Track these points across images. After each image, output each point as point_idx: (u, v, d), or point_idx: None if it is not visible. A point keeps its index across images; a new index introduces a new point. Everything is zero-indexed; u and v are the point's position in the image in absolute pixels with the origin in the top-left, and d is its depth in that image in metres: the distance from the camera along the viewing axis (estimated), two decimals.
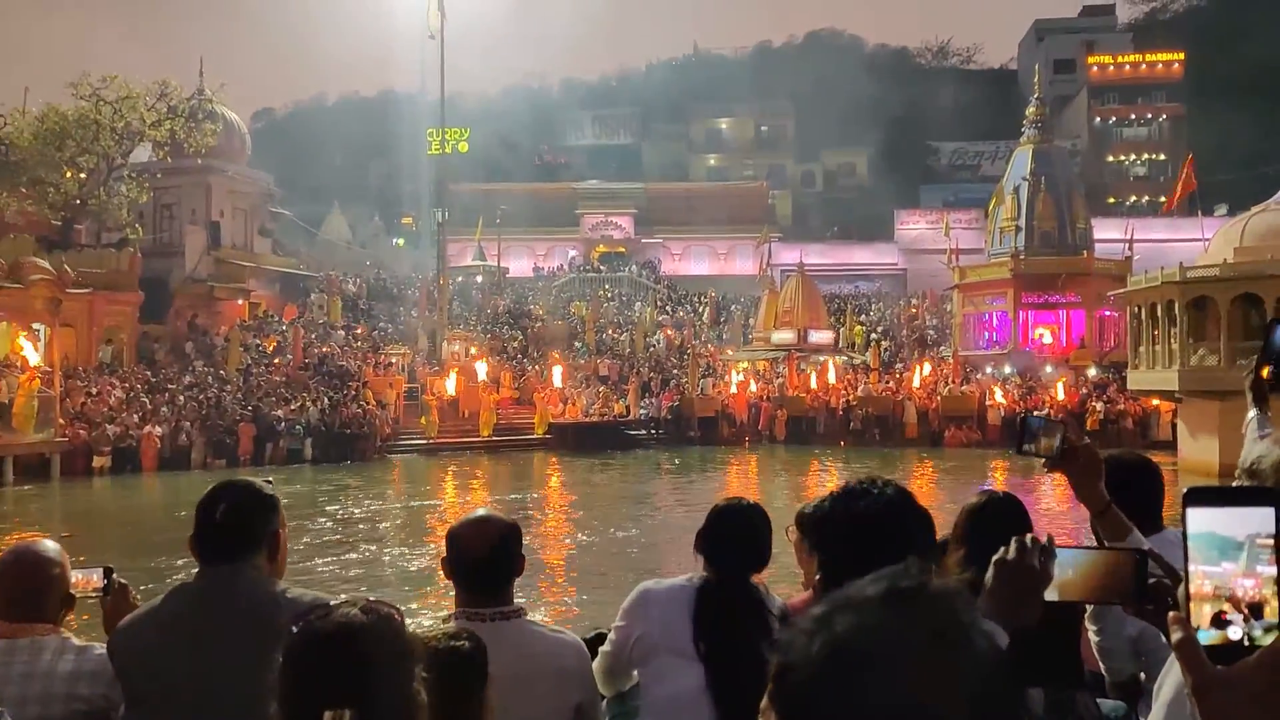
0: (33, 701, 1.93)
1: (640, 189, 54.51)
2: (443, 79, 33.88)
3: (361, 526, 14.68)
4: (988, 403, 27.32)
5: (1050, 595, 1.29)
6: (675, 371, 32.08)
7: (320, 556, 11.97)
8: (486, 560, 2.07)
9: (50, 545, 2.16)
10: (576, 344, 35.11)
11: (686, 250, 52.05)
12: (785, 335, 32.58)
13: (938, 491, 19.08)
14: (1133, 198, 54.32)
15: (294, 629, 1.17)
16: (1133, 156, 57.01)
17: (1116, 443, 23.52)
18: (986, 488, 2.72)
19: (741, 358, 33.18)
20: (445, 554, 2.13)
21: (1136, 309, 22.77)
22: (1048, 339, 33.21)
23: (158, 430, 22.50)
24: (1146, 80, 56.08)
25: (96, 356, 26.32)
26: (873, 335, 36.37)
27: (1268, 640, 0.71)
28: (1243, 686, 0.71)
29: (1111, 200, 52.69)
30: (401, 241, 54.24)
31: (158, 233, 32.66)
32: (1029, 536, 1.31)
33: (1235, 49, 49.78)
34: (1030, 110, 35.17)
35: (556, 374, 29.12)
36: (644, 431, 28.48)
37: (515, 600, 2.13)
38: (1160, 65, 56.11)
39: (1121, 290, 24.33)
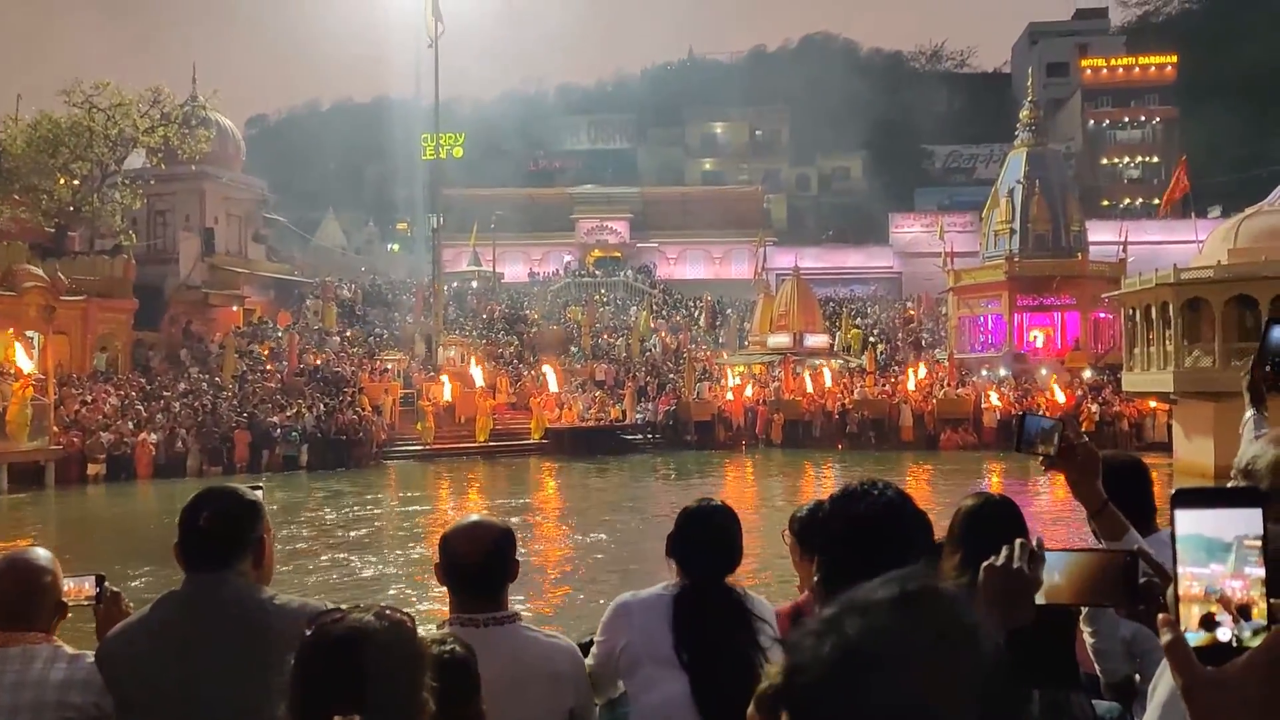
0: (24, 710, 1.92)
1: (636, 193, 54.60)
2: (437, 84, 33.96)
3: (351, 533, 14.64)
4: (983, 405, 27.37)
5: (1041, 599, 1.29)
6: (671, 376, 32.09)
7: (310, 562, 11.94)
8: (480, 566, 2.06)
9: (42, 553, 2.15)
10: (572, 349, 35.12)
11: (682, 254, 52.12)
12: (781, 339, 32.62)
13: (934, 494, 19.09)
14: (1126, 200, 54.54)
15: (307, 632, 1.18)
16: (1126, 159, 57.24)
17: (1112, 444, 23.58)
18: (980, 489, 2.72)
19: (737, 361, 33.21)
20: (438, 559, 2.12)
21: (1131, 311, 22.82)
22: (1042, 341, 33.29)
23: (152, 438, 22.44)
24: (1140, 83, 56.35)
25: (91, 364, 26.26)
26: (869, 339, 36.44)
27: (1256, 642, 0.71)
28: (1232, 688, 0.71)
29: (1106, 203, 52.90)
30: (396, 247, 54.28)
31: (152, 239, 32.62)
32: (1019, 542, 1.31)
33: (1228, 51, 50.06)
34: (1024, 113, 35.30)
35: (552, 379, 29.11)
36: (640, 436, 28.48)
37: (509, 605, 2.13)
38: (1153, 68, 56.38)
39: (1116, 292, 24.39)
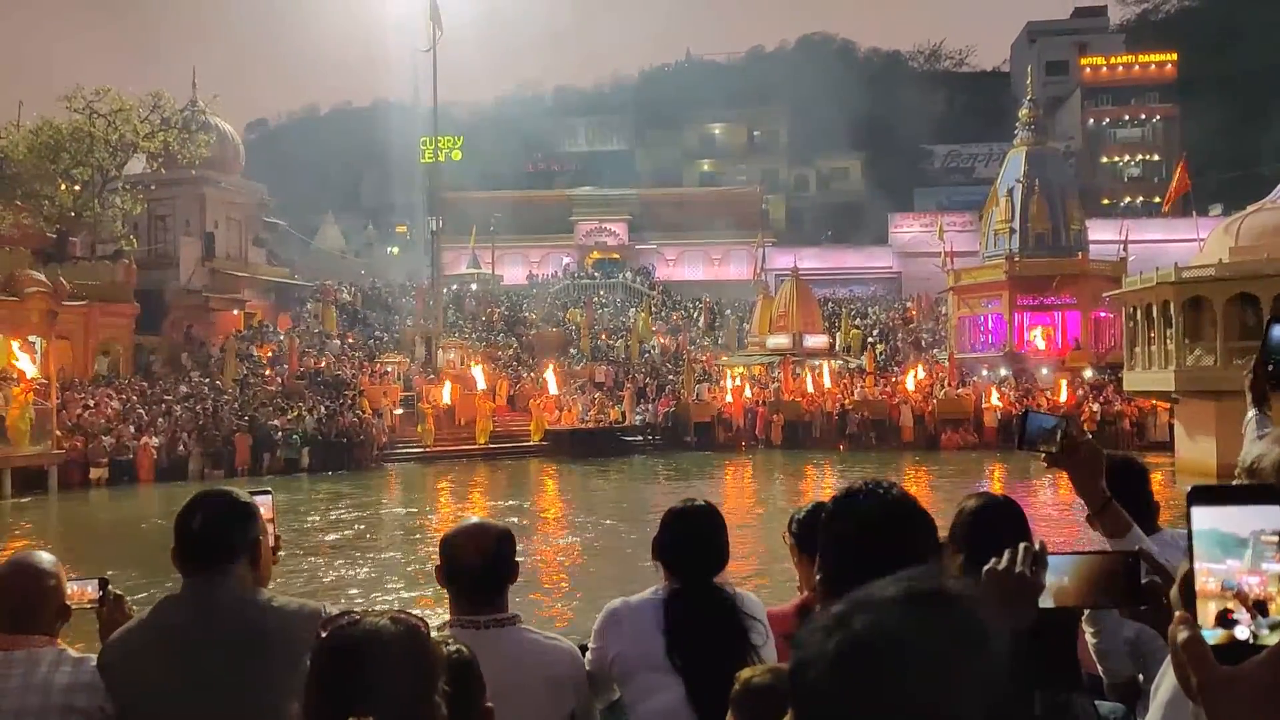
0: (30, 714, 1.92)
1: (634, 195, 54.60)
2: (435, 88, 33.99)
3: (349, 534, 14.64)
4: (984, 405, 27.35)
5: (1045, 602, 1.29)
6: (671, 377, 32.09)
7: (310, 563, 11.94)
8: (480, 568, 2.07)
9: (46, 557, 2.15)
10: (572, 350, 35.12)
11: (681, 256, 52.12)
12: (780, 340, 32.61)
13: (935, 495, 19.09)
14: (1127, 198, 54.52)
15: (322, 634, 1.19)
16: (1126, 157, 57.22)
17: (1113, 444, 23.59)
18: (982, 489, 2.72)
19: (737, 362, 33.20)
20: (439, 562, 2.12)
21: (1132, 310, 22.80)
22: (1043, 341, 33.28)
23: (154, 441, 22.46)
24: (1139, 81, 56.33)
25: (93, 368, 26.29)
26: (868, 339, 36.43)
27: (1274, 639, 0.71)
28: (1250, 685, 0.70)
29: (1106, 201, 52.88)
30: (396, 250, 54.31)
31: (152, 244, 32.66)
32: (1023, 545, 1.32)
33: (1228, 49, 50.09)
34: (1023, 112, 35.29)
35: (552, 381, 29.11)
36: (640, 437, 28.47)
37: (510, 607, 2.13)
38: (1153, 66, 56.36)
39: (1117, 291, 24.37)
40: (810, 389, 29.44)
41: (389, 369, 29.83)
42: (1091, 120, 56.89)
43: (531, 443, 26.98)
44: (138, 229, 31.40)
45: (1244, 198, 26.26)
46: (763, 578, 9.15)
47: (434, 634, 1.57)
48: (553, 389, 28.86)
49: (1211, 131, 46.69)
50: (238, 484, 18.76)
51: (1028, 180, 33.58)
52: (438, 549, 2.17)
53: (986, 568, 1.33)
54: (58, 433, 21.02)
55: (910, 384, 28.95)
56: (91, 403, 23.49)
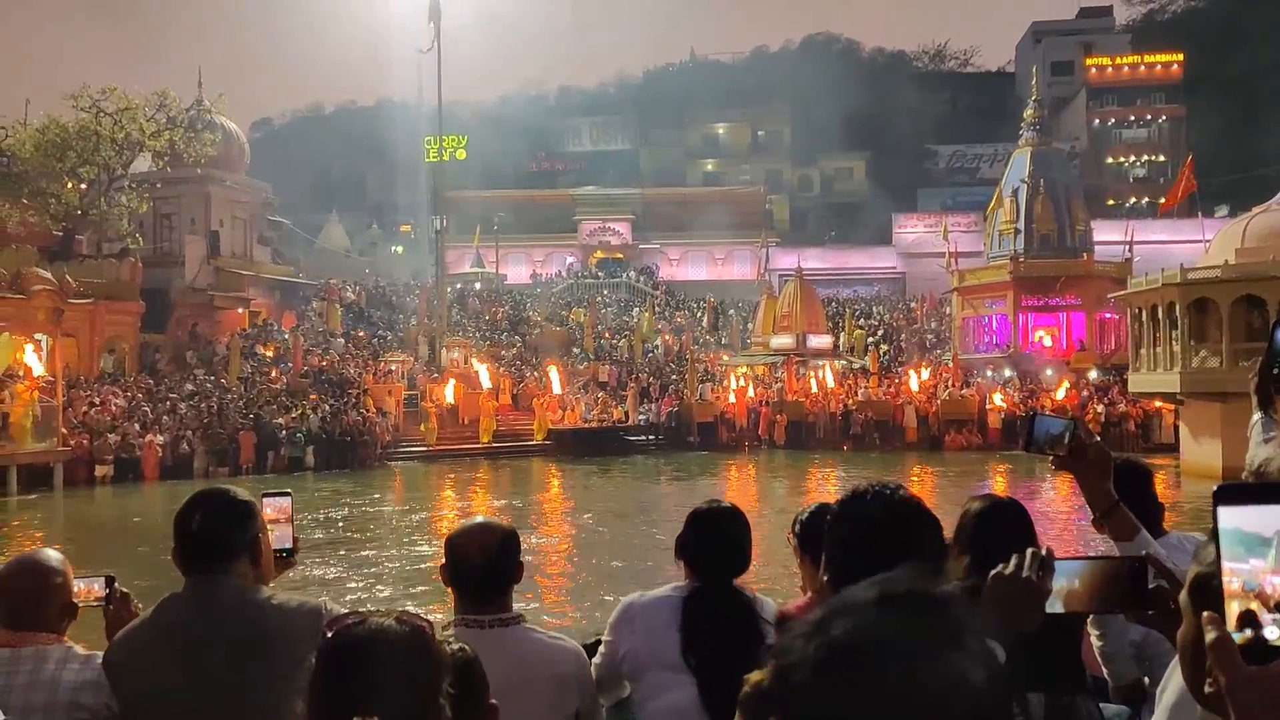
0: (37, 711, 1.93)
1: (637, 195, 54.61)
2: (440, 87, 34.04)
3: (352, 533, 14.66)
4: (988, 406, 27.30)
5: (1052, 607, 1.29)
6: (674, 377, 32.09)
7: (309, 560, 11.95)
8: (485, 567, 2.07)
9: (53, 555, 2.16)
10: (575, 350, 35.13)
11: (684, 255, 52.12)
12: (784, 340, 32.59)
13: (939, 496, 19.06)
14: (1132, 199, 54.37)
15: (327, 634, 1.20)
16: (1132, 158, 57.06)
17: (1118, 446, 23.52)
18: (986, 491, 2.72)
19: (740, 362, 33.18)
20: (444, 561, 2.12)
21: (1137, 311, 22.75)
22: (1048, 341, 33.21)
23: (159, 439, 22.53)
24: (1145, 81, 56.17)
25: (98, 366, 26.36)
26: (870, 339, 36.38)
27: None
28: (1277, 687, 0.70)
29: (1111, 202, 52.75)
30: (400, 249, 54.38)
31: (158, 242, 32.73)
32: (1030, 551, 1.32)
33: (1234, 49, 49.91)
34: (1028, 112, 35.22)
35: (555, 380, 29.13)
36: (643, 437, 28.48)
37: (514, 607, 2.13)
38: (1159, 66, 56.19)
39: (1122, 292, 24.32)
40: (814, 389, 29.42)
41: (393, 368, 29.88)
42: (1097, 121, 56.74)
43: (534, 442, 27.00)
44: (143, 227, 31.48)
45: (1250, 199, 26.19)
46: (764, 580, 9.14)
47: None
48: (556, 388, 28.88)
49: (1217, 132, 46.55)
50: (242, 483, 18.75)
51: (1032, 181, 33.51)
52: (442, 548, 2.17)
53: (993, 573, 1.33)
54: (63, 430, 21.09)
55: (914, 384, 28.90)
56: (97, 400, 23.56)
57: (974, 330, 34.63)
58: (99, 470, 21.40)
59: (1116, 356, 29.55)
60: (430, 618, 1.26)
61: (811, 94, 55.98)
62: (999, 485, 19.39)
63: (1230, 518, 0.75)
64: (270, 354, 29.81)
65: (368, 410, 26.06)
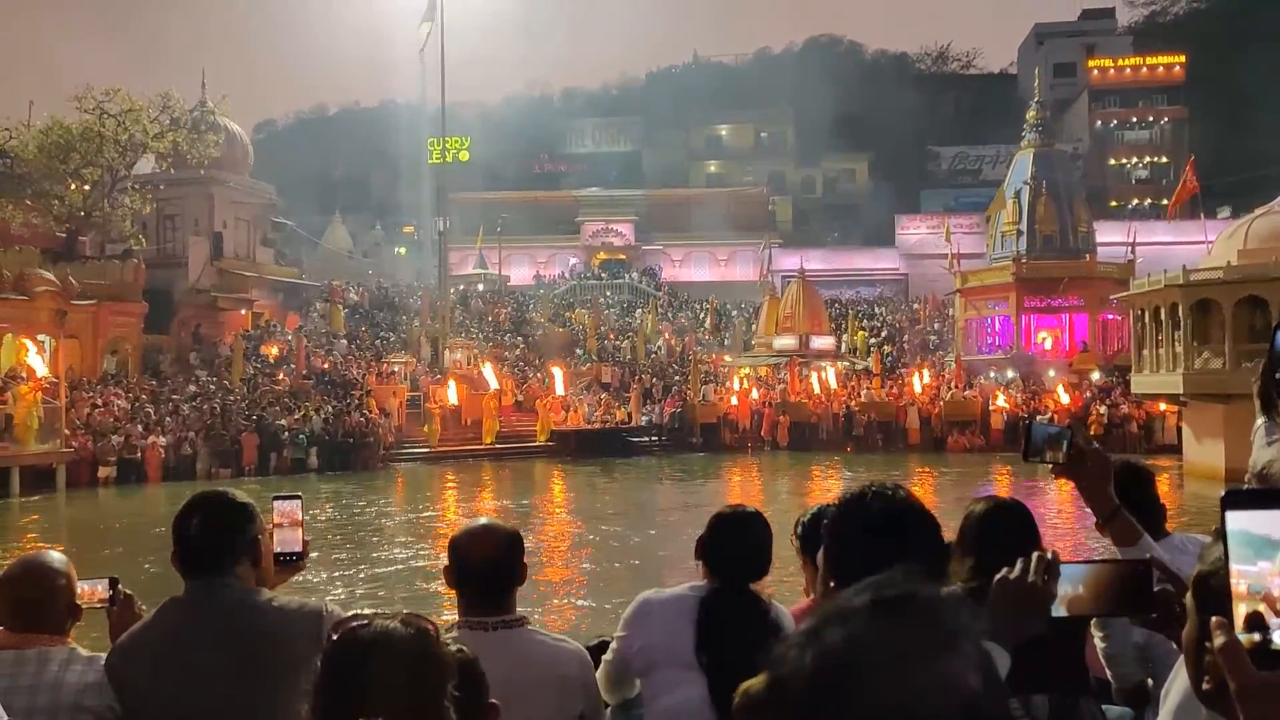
0: (40, 713, 1.94)
1: (640, 196, 54.62)
2: (443, 89, 34.06)
3: (353, 534, 14.67)
4: (991, 407, 27.27)
5: (1057, 611, 1.29)
6: (677, 378, 32.08)
7: (310, 562, 11.96)
8: (488, 569, 2.07)
9: (57, 556, 2.17)
10: (578, 351, 35.14)
11: (687, 256, 52.11)
12: (787, 341, 32.58)
13: (942, 497, 19.04)
14: (1135, 200, 54.32)
15: (333, 636, 1.20)
16: (1134, 159, 57.00)
17: (1121, 447, 23.49)
18: (990, 493, 2.71)
19: (743, 363, 33.17)
20: (447, 563, 2.13)
21: (1140, 312, 22.72)
22: (1050, 343, 33.17)
23: (162, 440, 22.55)
24: (1147, 83, 56.11)
25: (101, 367, 26.39)
26: (872, 340, 36.36)
27: None
28: None
29: (1114, 203, 52.69)
30: (404, 250, 54.43)
31: (161, 243, 32.78)
32: (1036, 555, 1.32)
33: (1237, 51, 49.83)
34: (1030, 114, 35.20)
35: (558, 381, 29.14)
36: (646, 438, 28.47)
37: (517, 609, 2.13)
38: (1161, 68, 56.14)
39: (1124, 293, 24.29)
40: (816, 390, 29.41)
41: (396, 369, 29.90)
42: (1099, 122, 56.68)
43: (537, 443, 27.01)
44: (146, 228, 31.53)
45: (1253, 200, 26.14)
46: (764, 583, 9.13)
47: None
48: (559, 389, 28.90)
49: (1220, 134, 46.48)
50: (244, 485, 18.79)
51: (1035, 182, 33.47)
52: (445, 550, 2.18)
53: (999, 577, 1.33)
54: (66, 431, 21.12)
55: (917, 386, 28.88)
56: (100, 402, 23.59)
57: (977, 331, 34.59)
58: (102, 472, 21.43)
59: (1119, 357, 29.51)
60: (434, 620, 1.27)
61: (814, 95, 55.97)
62: (1002, 487, 19.37)
63: (1238, 521, 0.75)
64: (273, 355, 29.84)
65: (371, 412, 26.09)
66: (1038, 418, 21.91)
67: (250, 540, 1.99)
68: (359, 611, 1.34)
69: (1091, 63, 57.40)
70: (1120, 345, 30.59)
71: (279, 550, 2.15)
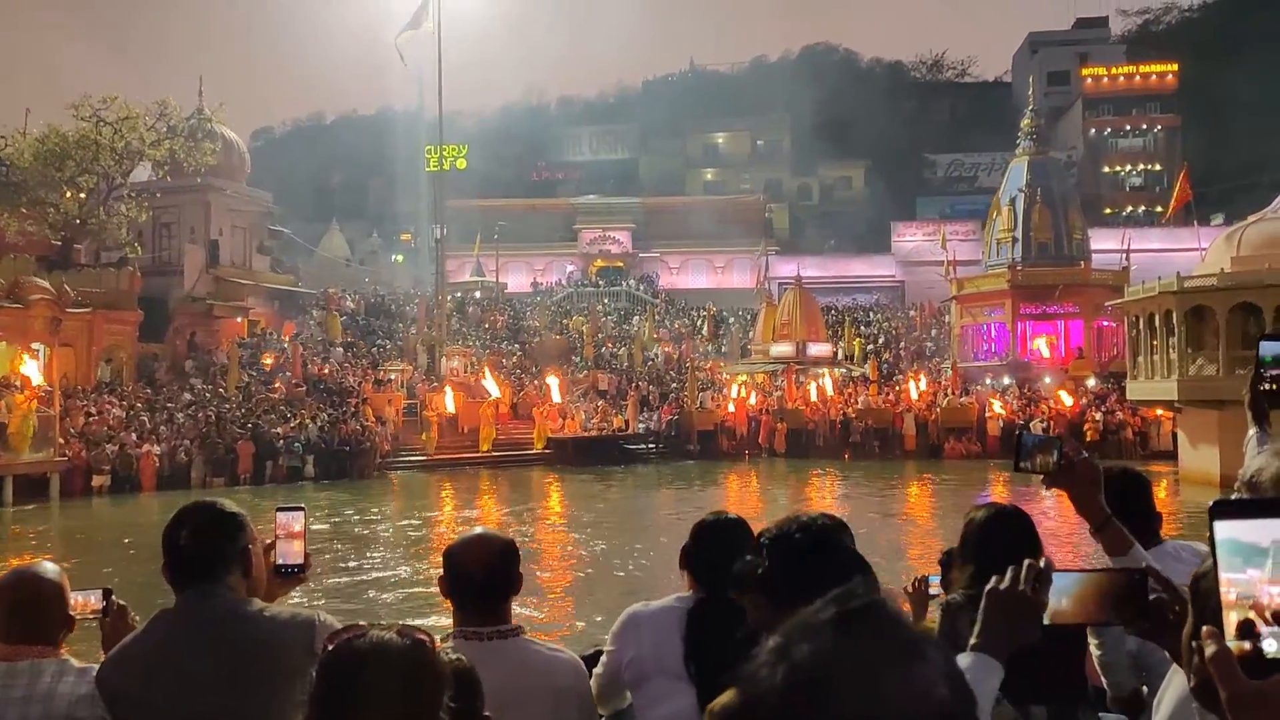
0: None
1: (638, 203, 54.75)
2: (440, 96, 34.14)
3: (348, 543, 14.63)
4: (987, 414, 27.29)
5: (1049, 619, 1.28)
6: (674, 385, 32.07)
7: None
8: (483, 579, 2.07)
9: (50, 567, 2.16)
10: (575, 358, 35.13)
11: (684, 264, 52.19)
12: (784, 348, 32.61)
13: (940, 504, 19.04)
14: (1129, 208, 54.54)
15: (329, 647, 1.20)
16: (1128, 167, 57.28)
17: (1116, 453, 23.53)
18: (989, 500, 2.71)
19: (740, 370, 33.19)
20: (442, 573, 2.12)
21: (1134, 319, 22.78)
22: (1046, 350, 33.23)
23: (156, 449, 22.47)
24: (1140, 91, 56.43)
25: (96, 375, 26.32)
26: (869, 347, 36.40)
27: None
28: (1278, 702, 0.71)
29: (1108, 210, 52.91)
30: (401, 258, 54.45)
31: (157, 251, 32.74)
32: (1026, 563, 1.31)
33: (1229, 59, 50.12)
34: (1025, 122, 35.35)
35: (555, 389, 29.11)
36: (643, 446, 28.44)
37: (513, 618, 2.13)
38: (1154, 76, 56.47)
39: (1119, 300, 24.36)
40: (814, 397, 29.41)
41: (392, 376, 29.86)
42: (1093, 130, 56.96)
43: (534, 451, 26.97)
44: (142, 236, 31.48)
45: (1245, 207, 26.25)
46: None
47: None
48: (556, 397, 28.87)
49: (1213, 141, 46.69)
50: (239, 494, 18.69)
51: (1030, 189, 33.59)
52: (440, 559, 2.17)
53: (988, 587, 1.32)
54: (60, 440, 21.04)
55: (913, 393, 28.90)
56: (94, 410, 23.52)
57: (973, 338, 34.65)
58: (96, 480, 21.32)
59: (1115, 364, 29.58)
60: (429, 629, 1.26)
61: (810, 103, 56.18)
62: (999, 492, 19.37)
63: (1226, 530, 0.75)
64: (269, 363, 29.78)
65: (367, 419, 26.04)
66: (1030, 427, 21.93)
67: (241, 550, 1.98)
68: (355, 622, 1.33)
69: (1085, 71, 57.70)
70: (1115, 351, 30.67)
71: (281, 562, 2.14)
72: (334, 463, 24.11)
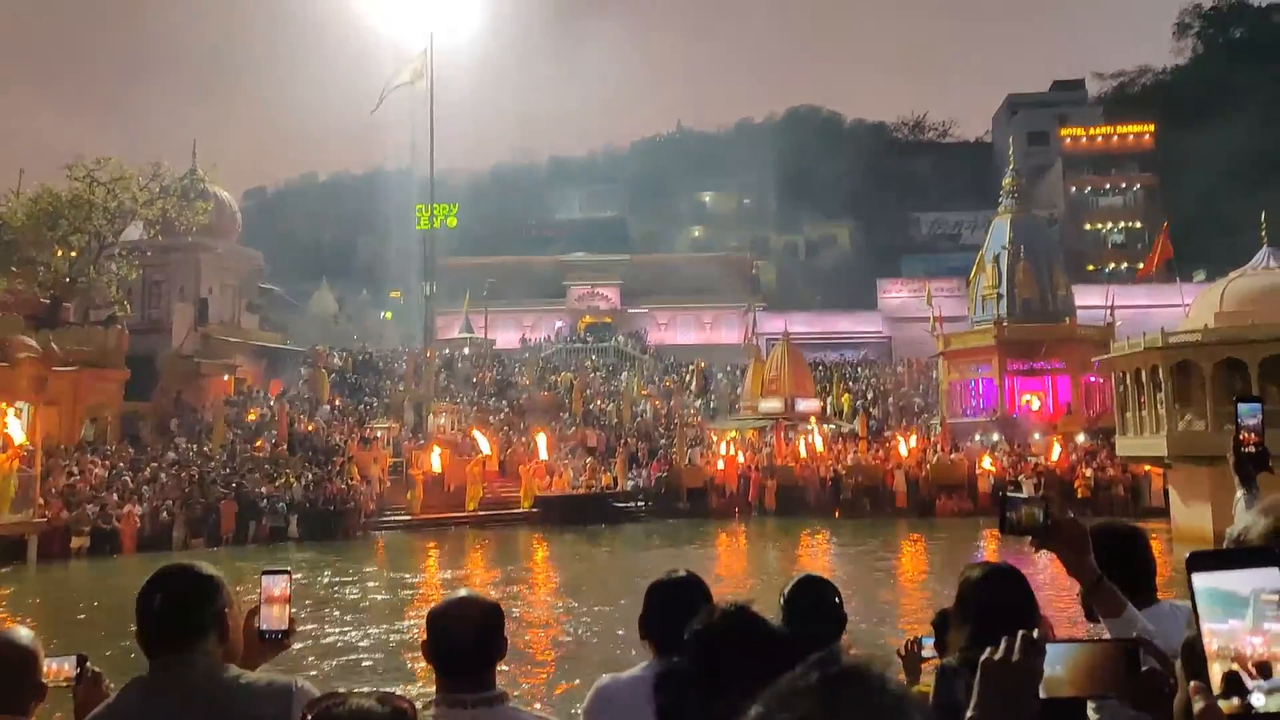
0: None
1: (626, 260, 55.31)
2: (432, 156, 34.71)
3: (328, 608, 14.34)
4: (977, 471, 27.24)
5: (1044, 692, 1.26)
6: (663, 441, 31.94)
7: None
8: (467, 644, 2.02)
9: (24, 633, 2.10)
10: (563, 415, 35.03)
11: (672, 320, 52.51)
12: (772, 404, 32.61)
13: (934, 563, 18.86)
14: (1111, 264, 55.44)
15: (307, 717, 1.17)
16: (1109, 224, 58.42)
17: (1108, 510, 23.43)
18: (983, 559, 2.69)
19: (729, 426, 33.12)
20: (425, 637, 2.07)
21: (1121, 375, 22.92)
22: (1035, 405, 33.36)
23: (138, 510, 22.11)
24: (1118, 151, 57.88)
25: (80, 434, 26.04)
26: (858, 403, 36.45)
27: (1276, 703, 0.70)
28: None
29: (1090, 267, 53.77)
30: (389, 315, 54.60)
31: (146, 309, 32.74)
32: (1021, 633, 1.30)
33: (1204, 119, 51.59)
34: (1006, 181, 36.07)
35: (543, 446, 28.93)
36: (632, 503, 28.17)
37: (497, 684, 2.07)
38: (1132, 136, 58.01)
39: (1106, 356, 24.55)
40: (803, 454, 29.32)
41: (379, 434, 29.65)
42: (1074, 189, 58.21)
43: (521, 509, 26.66)
44: (131, 294, 31.51)
45: (1226, 263, 26.68)
46: None
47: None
48: (543, 454, 28.67)
49: (1192, 199, 47.75)
50: (220, 555, 18.35)
51: (1013, 247, 34.11)
52: (423, 623, 2.12)
53: (983, 659, 1.30)
54: (40, 500, 20.70)
55: (903, 449, 28.86)
56: (76, 470, 23.19)
57: (961, 394, 34.79)
58: (75, 542, 20.91)
59: (1103, 419, 29.68)
60: (410, 696, 1.23)
61: (796, 163, 57.33)
62: (990, 550, 19.22)
63: (1205, 581, 0.76)
64: (253, 420, 29.56)
65: (352, 478, 25.76)
66: (1011, 490, 21.84)
67: (217, 614, 1.94)
68: (334, 690, 1.30)
69: (1064, 131, 59.19)
70: (1103, 407, 30.80)
71: (264, 627, 2.09)
72: (318, 522, 23.78)
